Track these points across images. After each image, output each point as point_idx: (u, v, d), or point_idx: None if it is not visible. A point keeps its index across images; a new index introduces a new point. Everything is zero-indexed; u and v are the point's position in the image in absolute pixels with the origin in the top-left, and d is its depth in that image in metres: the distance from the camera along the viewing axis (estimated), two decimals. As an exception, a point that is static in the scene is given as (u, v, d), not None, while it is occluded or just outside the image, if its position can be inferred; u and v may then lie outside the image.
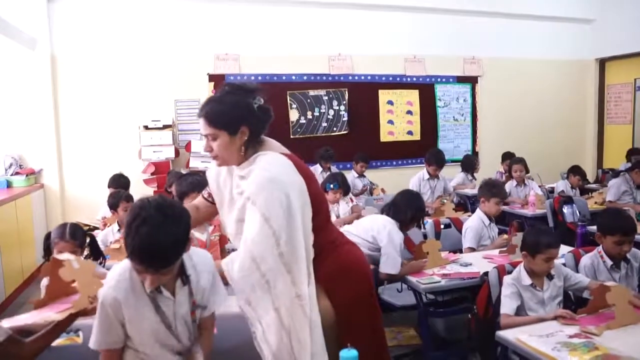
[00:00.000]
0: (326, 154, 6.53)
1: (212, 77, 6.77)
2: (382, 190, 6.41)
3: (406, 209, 3.52)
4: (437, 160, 5.87)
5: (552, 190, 6.29)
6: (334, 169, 6.52)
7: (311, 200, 2.06)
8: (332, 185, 4.75)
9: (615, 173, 6.12)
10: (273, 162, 2.04)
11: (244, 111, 2.04)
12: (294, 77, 7.23)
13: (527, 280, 2.78)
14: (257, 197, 1.94)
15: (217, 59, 6.86)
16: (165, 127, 6.31)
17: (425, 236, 4.14)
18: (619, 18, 8.29)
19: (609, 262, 3.04)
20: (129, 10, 6.50)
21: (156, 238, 1.65)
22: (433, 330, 3.62)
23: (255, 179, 1.97)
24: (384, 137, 7.74)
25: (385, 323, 4.00)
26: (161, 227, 1.66)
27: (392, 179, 7.20)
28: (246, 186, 2.00)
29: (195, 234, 3.38)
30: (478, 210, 4.14)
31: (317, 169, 6.48)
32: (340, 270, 2.19)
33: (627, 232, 2.97)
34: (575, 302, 2.97)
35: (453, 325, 3.62)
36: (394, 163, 7.78)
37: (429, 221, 4.38)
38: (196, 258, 1.96)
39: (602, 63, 9.02)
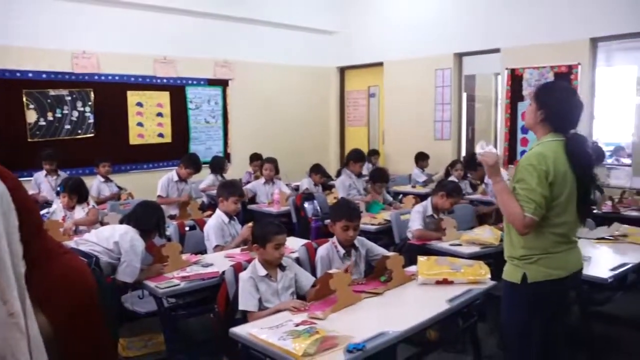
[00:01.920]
0: (44, 154, 6.07)
1: None
2: (131, 195, 6.14)
3: (148, 219, 3.51)
4: (194, 164, 5.84)
5: (297, 188, 6.65)
6: (63, 173, 6.17)
7: (18, 208, 1.85)
8: (58, 189, 4.62)
9: (338, 172, 6.67)
10: None
11: None
12: (30, 75, 6.50)
13: (263, 271, 2.90)
14: None
15: None
16: None
17: (169, 239, 4.07)
18: (355, 32, 9.22)
19: (342, 251, 3.32)
20: None
21: None
22: (188, 332, 3.64)
23: None
24: (134, 139, 7.42)
25: (133, 332, 3.81)
26: None
27: (142, 183, 6.96)
28: None
29: None
30: (217, 210, 4.22)
31: (40, 175, 6.04)
32: (56, 282, 1.99)
33: (350, 218, 3.27)
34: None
35: (209, 325, 3.60)
36: (145, 166, 7.52)
37: (173, 224, 4.33)
38: None
39: (342, 71, 9.93)
